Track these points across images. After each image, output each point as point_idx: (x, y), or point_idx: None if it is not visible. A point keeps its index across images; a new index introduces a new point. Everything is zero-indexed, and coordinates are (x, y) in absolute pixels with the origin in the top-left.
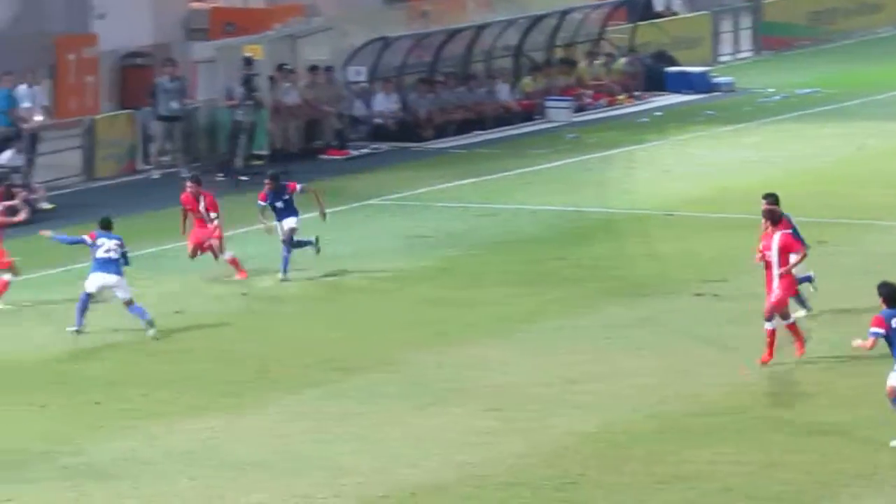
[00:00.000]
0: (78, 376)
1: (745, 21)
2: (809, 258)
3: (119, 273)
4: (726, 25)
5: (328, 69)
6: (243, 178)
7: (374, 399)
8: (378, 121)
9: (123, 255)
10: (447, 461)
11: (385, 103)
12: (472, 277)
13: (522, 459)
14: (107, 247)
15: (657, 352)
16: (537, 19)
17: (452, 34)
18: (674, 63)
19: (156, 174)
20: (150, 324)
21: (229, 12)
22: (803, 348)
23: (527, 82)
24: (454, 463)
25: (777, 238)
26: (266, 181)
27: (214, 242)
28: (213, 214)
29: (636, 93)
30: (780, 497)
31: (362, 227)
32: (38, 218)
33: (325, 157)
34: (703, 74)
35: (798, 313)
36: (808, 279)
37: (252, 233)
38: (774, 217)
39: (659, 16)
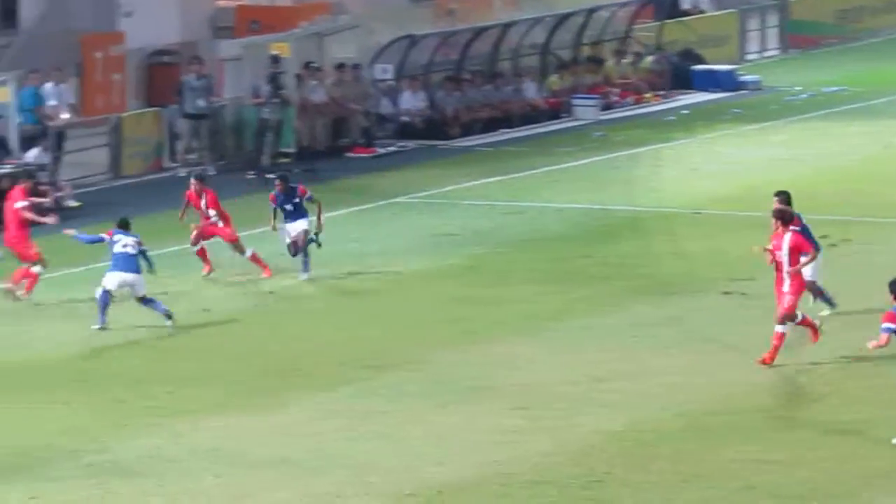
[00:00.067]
0: (102, 374)
1: (773, 19)
2: (833, 256)
3: (138, 271)
4: (753, 23)
5: (355, 67)
6: (270, 175)
7: (401, 397)
8: (405, 119)
9: (144, 255)
10: (474, 459)
11: (412, 101)
12: (498, 275)
13: (549, 458)
14: (124, 242)
15: (684, 350)
16: (564, 17)
17: (479, 32)
18: (701, 61)
19: (182, 172)
20: (168, 315)
21: (256, 10)
22: (818, 335)
23: (553, 80)
24: (481, 461)
25: (788, 238)
26: (276, 182)
27: (231, 243)
28: (211, 212)
29: (663, 91)
30: (803, 495)
31: (389, 225)
32: (64, 216)
33: (351, 154)
34: (729, 72)
35: (823, 312)
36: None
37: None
38: (785, 217)
39: (686, 14)
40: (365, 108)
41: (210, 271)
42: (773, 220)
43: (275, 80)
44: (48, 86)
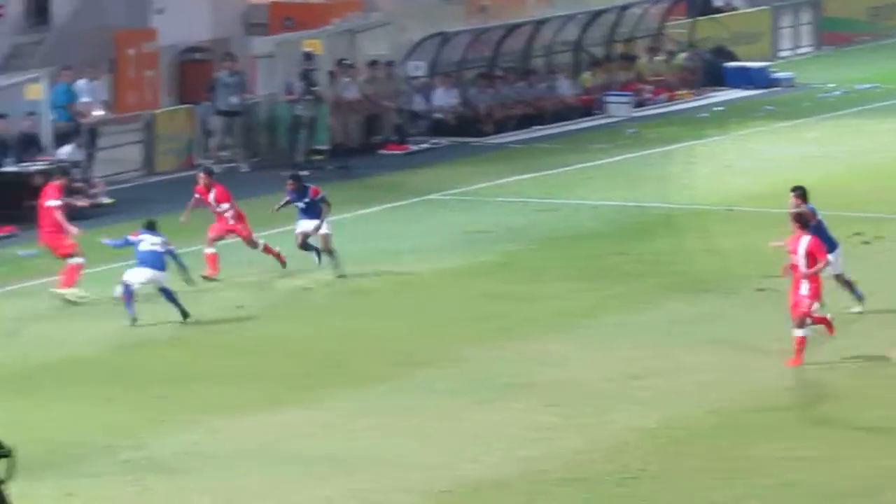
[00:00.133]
0: (141, 371)
1: (805, 16)
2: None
3: (164, 269)
4: (786, 20)
5: (388, 64)
6: (304, 172)
7: (435, 394)
8: (438, 116)
9: (173, 256)
10: (509, 456)
11: (445, 98)
12: (532, 272)
13: (582, 455)
14: (151, 241)
15: (718, 348)
16: (597, 14)
17: (512, 29)
18: (733, 58)
19: (215, 169)
20: (184, 314)
21: (288, 7)
22: (832, 329)
23: (586, 77)
24: (516, 458)
25: (804, 241)
26: (288, 181)
27: (244, 237)
28: (224, 206)
29: (695, 88)
30: (842, 492)
31: (422, 222)
32: (97, 213)
33: (384, 152)
34: (762, 70)
35: (854, 308)
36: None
37: None
38: (802, 220)
39: (718, 11)
40: (398, 105)
41: (213, 275)
42: (792, 222)
43: (307, 76)
44: (81, 82)
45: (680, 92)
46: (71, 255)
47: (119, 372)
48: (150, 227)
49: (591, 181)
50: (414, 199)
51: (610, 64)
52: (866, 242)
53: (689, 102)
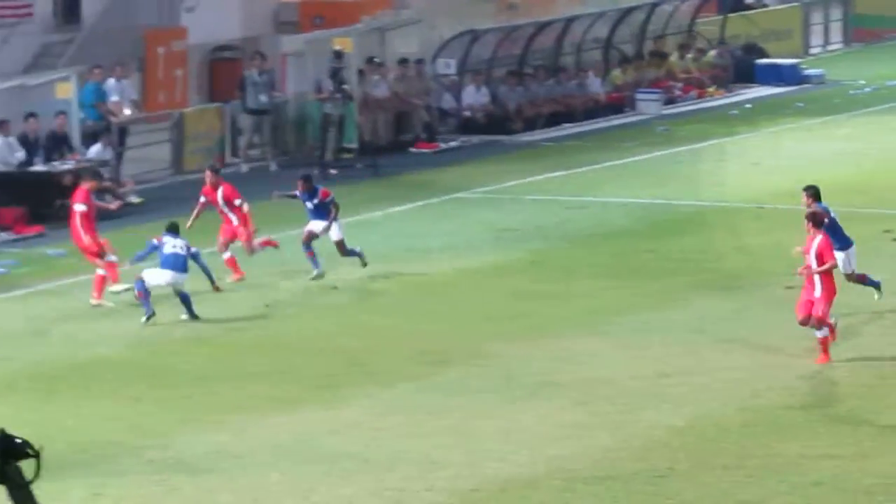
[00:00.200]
0: (168, 370)
1: (836, 13)
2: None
3: (185, 272)
4: (816, 17)
5: (418, 62)
6: (333, 171)
7: (464, 392)
8: (467, 113)
9: (196, 259)
10: (537, 455)
11: (474, 96)
12: (562, 270)
13: (612, 453)
14: (173, 244)
15: (748, 345)
16: (627, 12)
17: (542, 27)
18: (764, 55)
19: (244, 168)
20: (194, 316)
21: (318, 5)
22: (835, 335)
23: (616, 75)
24: (544, 457)
25: (816, 243)
26: (298, 181)
27: (244, 241)
28: (237, 201)
29: (726, 85)
30: (871, 490)
31: (451, 220)
32: (126, 212)
33: (414, 150)
34: (793, 66)
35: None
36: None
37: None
38: (816, 220)
39: (749, 8)
40: (427, 103)
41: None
42: (805, 222)
43: (337, 75)
44: (110, 81)
45: (710, 89)
46: (102, 255)
47: (146, 372)
48: (173, 230)
49: (620, 179)
50: (443, 197)
51: (640, 61)
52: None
53: (720, 100)
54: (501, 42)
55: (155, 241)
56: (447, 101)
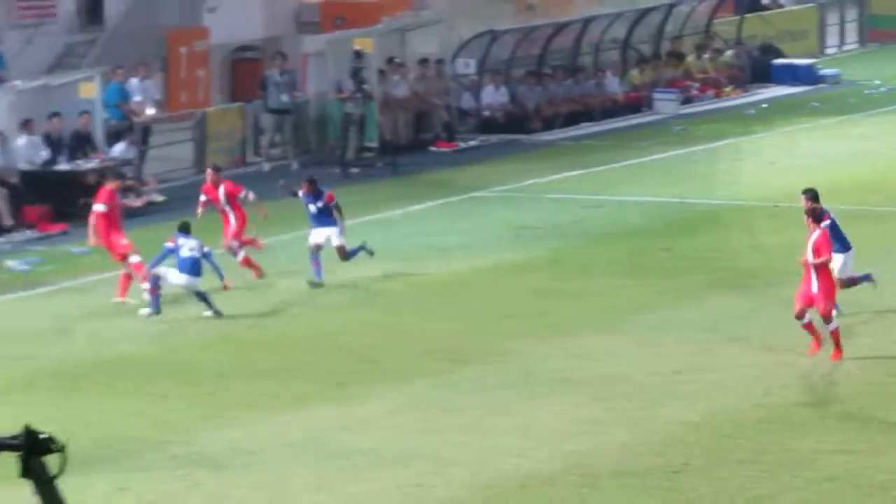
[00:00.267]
0: (191, 367)
1: (851, 13)
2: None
3: (201, 275)
4: (832, 18)
5: (438, 62)
6: (354, 170)
7: (482, 390)
8: (486, 113)
9: (209, 259)
10: (555, 451)
11: (494, 96)
12: (579, 269)
13: (629, 449)
14: (189, 245)
15: (762, 343)
16: (645, 12)
17: (560, 27)
18: (780, 55)
19: (266, 166)
20: (218, 314)
21: (339, 6)
22: (819, 347)
23: (634, 75)
24: (562, 453)
25: (814, 236)
26: (303, 182)
27: (234, 244)
28: (240, 195)
29: (743, 85)
30: (885, 486)
31: (470, 218)
32: (149, 210)
33: (433, 149)
34: (809, 66)
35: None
36: (868, 278)
37: (361, 224)
38: (815, 215)
39: (765, 8)
40: (447, 102)
41: (261, 275)
42: (805, 218)
43: (358, 75)
44: (133, 81)
45: (727, 89)
46: (127, 256)
47: (169, 369)
48: (185, 230)
49: (637, 178)
50: (462, 196)
51: (657, 61)
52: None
53: (736, 99)
54: (520, 42)
55: (170, 245)
56: (466, 101)
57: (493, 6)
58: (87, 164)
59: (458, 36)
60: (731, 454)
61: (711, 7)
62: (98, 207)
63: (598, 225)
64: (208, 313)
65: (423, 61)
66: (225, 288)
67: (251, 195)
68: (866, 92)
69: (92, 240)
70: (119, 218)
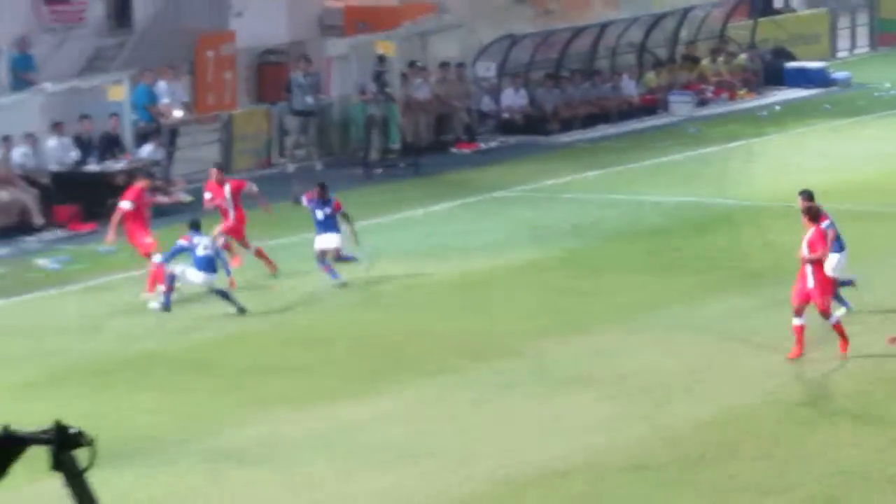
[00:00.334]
0: (216, 363)
1: (862, 18)
2: None
3: (216, 272)
4: (843, 22)
5: (459, 65)
6: (378, 170)
7: (502, 386)
8: (506, 115)
9: (219, 256)
10: (573, 446)
11: (513, 98)
12: (595, 267)
13: (645, 443)
14: (203, 244)
15: (776, 339)
16: (660, 17)
17: (578, 32)
18: (792, 59)
19: (291, 167)
20: (241, 310)
21: (362, 10)
22: (800, 352)
23: (650, 78)
24: (579, 447)
25: (809, 233)
26: (316, 187)
27: (220, 239)
28: (245, 188)
29: (756, 88)
30: (895, 479)
31: (490, 217)
32: (177, 210)
33: (454, 150)
34: (820, 70)
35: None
36: (850, 282)
37: (383, 224)
38: (811, 213)
39: (778, 13)
40: (467, 105)
41: (275, 270)
42: (803, 217)
43: (380, 78)
44: (161, 84)
45: (740, 91)
46: (150, 255)
47: (194, 365)
48: (196, 227)
49: (653, 178)
50: (482, 196)
51: (673, 65)
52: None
53: (750, 102)
54: (539, 46)
55: (184, 243)
56: (486, 103)
57: (512, 10)
58: (116, 164)
59: (479, 40)
60: (744, 449)
61: (726, 12)
62: (124, 204)
63: (615, 224)
64: (232, 310)
65: (444, 65)
66: (231, 285)
67: (254, 187)
68: (876, 94)
69: (111, 236)
70: (146, 217)
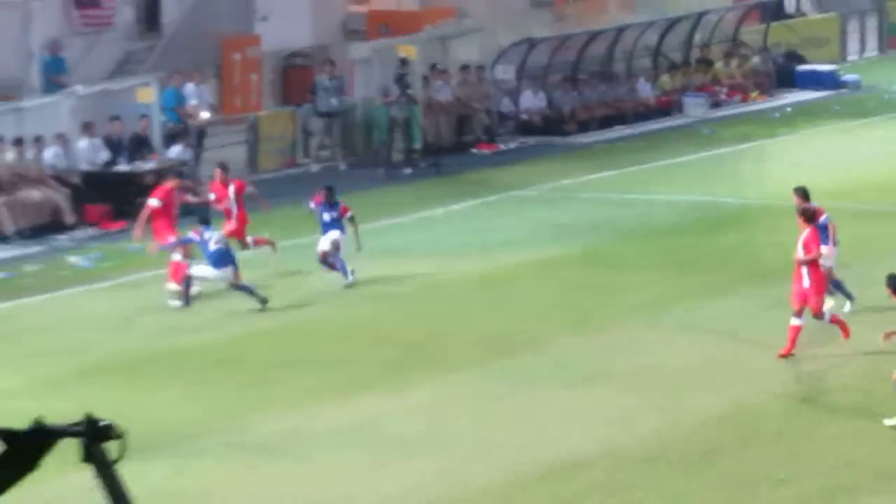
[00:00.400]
0: (244, 357)
1: (872, 22)
2: None
3: (228, 264)
4: (853, 26)
5: (479, 68)
6: (407, 170)
7: (522, 380)
8: (525, 117)
9: (228, 248)
10: (590, 438)
11: (531, 100)
12: (613, 265)
13: (660, 435)
14: (215, 238)
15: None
16: (675, 21)
17: (594, 36)
18: (804, 61)
19: (315, 168)
20: (263, 301)
21: (385, 15)
22: (791, 351)
23: (665, 80)
24: (596, 439)
25: (803, 235)
26: (323, 190)
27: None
28: (248, 188)
29: (768, 90)
30: None
31: (509, 216)
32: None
33: (475, 150)
34: (831, 72)
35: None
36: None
37: (403, 224)
38: (807, 214)
39: (790, 17)
40: (487, 106)
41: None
42: (798, 218)
43: (402, 80)
44: (189, 86)
45: (753, 94)
46: (165, 245)
47: (223, 359)
48: (206, 223)
49: (668, 178)
50: (502, 195)
51: (687, 68)
52: None
53: (762, 104)
54: (557, 50)
55: (192, 235)
56: (506, 105)
57: (530, 14)
58: (145, 165)
59: (498, 44)
60: (756, 441)
61: (739, 16)
62: (152, 202)
63: (630, 223)
64: (255, 305)
65: (465, 67)
66: (238, 279)
67: (254, 188)
68: (885, 96)
69: (138, 232)
70: (173, 216)
